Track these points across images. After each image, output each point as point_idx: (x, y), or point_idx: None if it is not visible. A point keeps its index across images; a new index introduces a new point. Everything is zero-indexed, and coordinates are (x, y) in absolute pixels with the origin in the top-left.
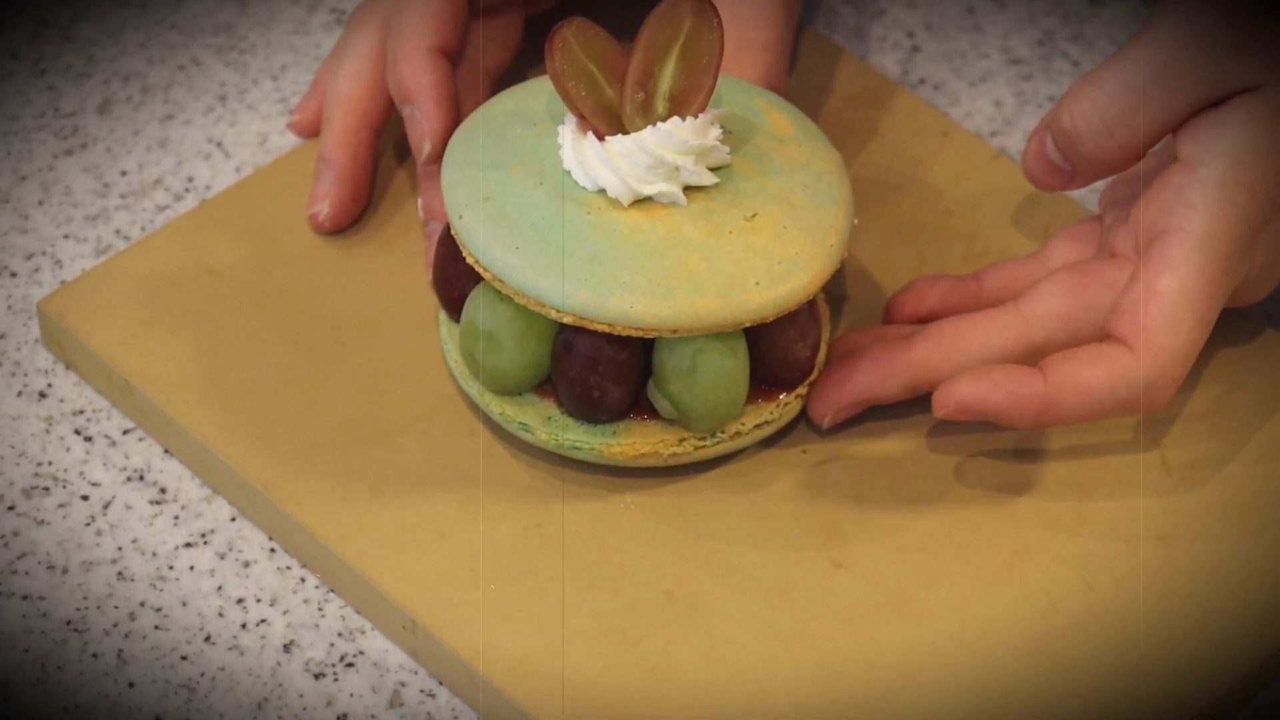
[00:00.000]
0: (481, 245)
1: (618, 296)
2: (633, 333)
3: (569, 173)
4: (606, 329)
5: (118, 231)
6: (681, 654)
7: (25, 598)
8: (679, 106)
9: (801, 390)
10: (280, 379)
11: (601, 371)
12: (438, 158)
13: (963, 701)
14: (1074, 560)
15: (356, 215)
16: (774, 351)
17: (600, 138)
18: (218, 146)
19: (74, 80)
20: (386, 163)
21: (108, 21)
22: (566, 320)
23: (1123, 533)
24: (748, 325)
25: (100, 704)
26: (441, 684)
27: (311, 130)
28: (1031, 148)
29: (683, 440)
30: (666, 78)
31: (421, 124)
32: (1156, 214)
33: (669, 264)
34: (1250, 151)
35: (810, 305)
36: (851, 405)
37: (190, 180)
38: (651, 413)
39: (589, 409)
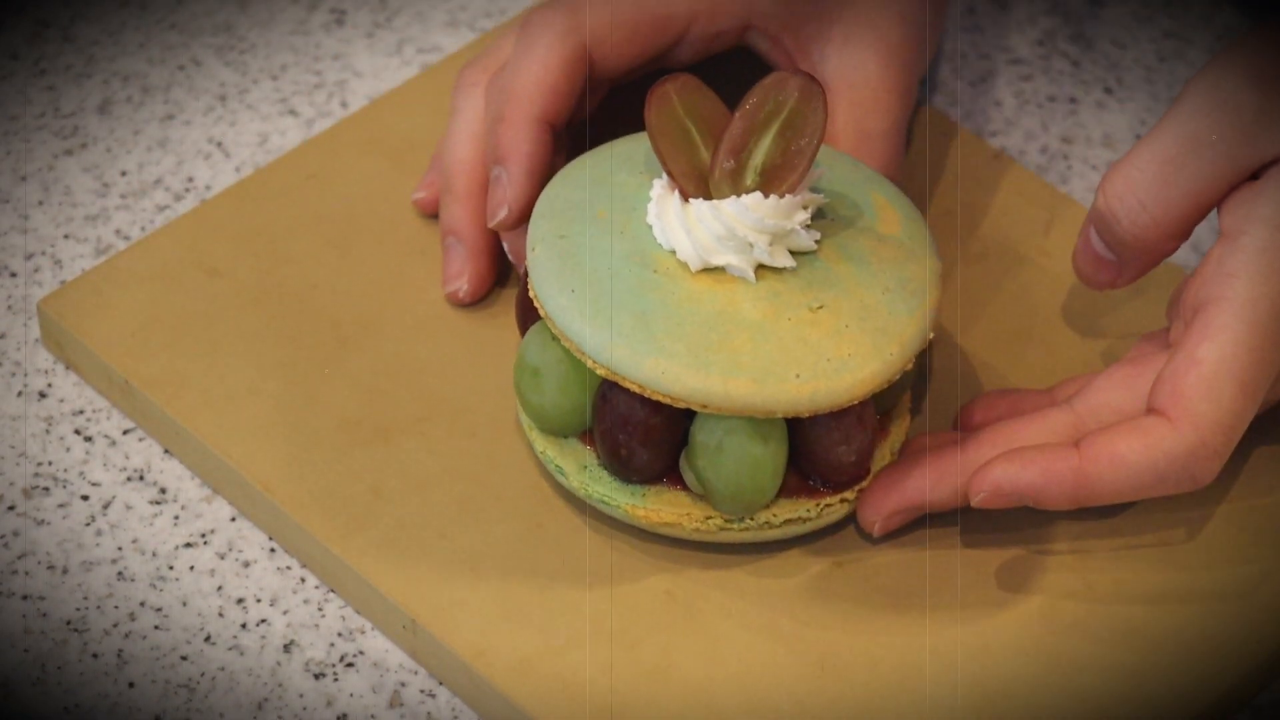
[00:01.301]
0: (542, 282)
1: (652, 359)
2: (661, 399)
3: (651, 227)
4: (638, 389)
5: (118, 231)
6: (681, 654)
7: (25, 598)
8: (768, 183)
9: (849, 495)
10: (280, 379)
11: (630, 431)
12: (512, 226)
13: (963, 701)
14: (1074, 560)
15: (493, 283)
16: (816, 450)
17: (685, 198)
18: (218, 146)
19: (74, 80)
20: (387, 165)
21: (107, 21)
22: (600, 373)
23: (1122, 533)
24: (780, 416)
25: (100, 704)
26: (441, 684)
27: (438, 208)
28: (1079, 243)
29: (709, 518)
30: (761, 151)
31: (506, 189)
32: (1199, 287)
33: (714, 338)
34: None
35: (860, 409)
36: (902, 511)
37: (190, 180)
38: (685, 483)
39: (618, 466)
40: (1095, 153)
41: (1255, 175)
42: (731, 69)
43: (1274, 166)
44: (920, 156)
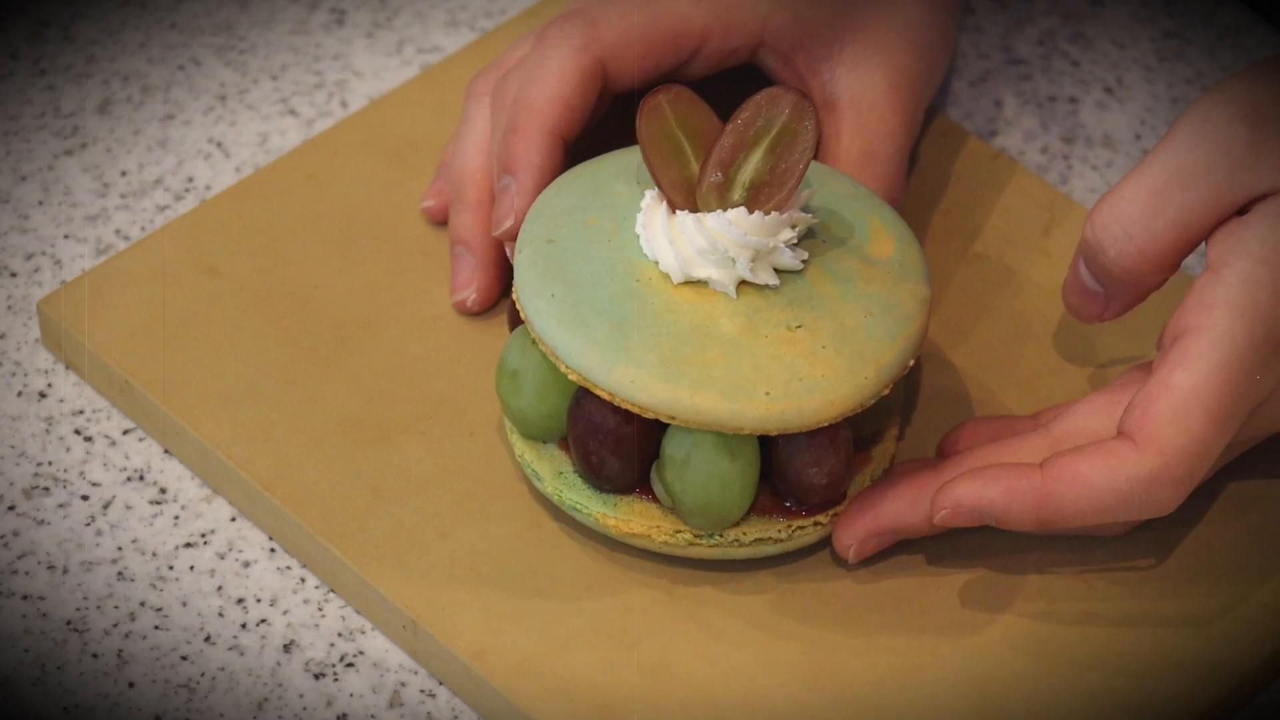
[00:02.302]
0: (524, 285)
1: (622, 367)
2: (630, 408)
3: (639, 236)
4: (608, 397)
5: (118, 231)
6: (681, 654)
7: (25, 598)
8: (755, 199)
9: (822, 518)
10: (280, 379)
11: (601, 440)
12: (516, 236)
13: (963, 701)
14: (1073, 560)
15: (500, 293)
16: (787, 470)
17: (672, 210)
18: (217, 146)
19: (74, 80)
20: (387, 165)
21: (107, 21)
22: (572, 378)
23: (1116, 550)
24: (747, 433)
25: (100, 704)
26: (441, 684)
27: (447, 216)
28: (1068, 275)
29: (679, 532)
30: (751, 166)
31: (514, 199)
32: (1180, 316)
33: (687, 350)
34: (1274, 251)
35: (834, 432)
36: (876, 534)
37: (190, 180)
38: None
39: (590, 474)
40: (1095, 153)
41: (1244, 210)
42: (728, 82)
43: (1262, 201)
44: (920, 156)
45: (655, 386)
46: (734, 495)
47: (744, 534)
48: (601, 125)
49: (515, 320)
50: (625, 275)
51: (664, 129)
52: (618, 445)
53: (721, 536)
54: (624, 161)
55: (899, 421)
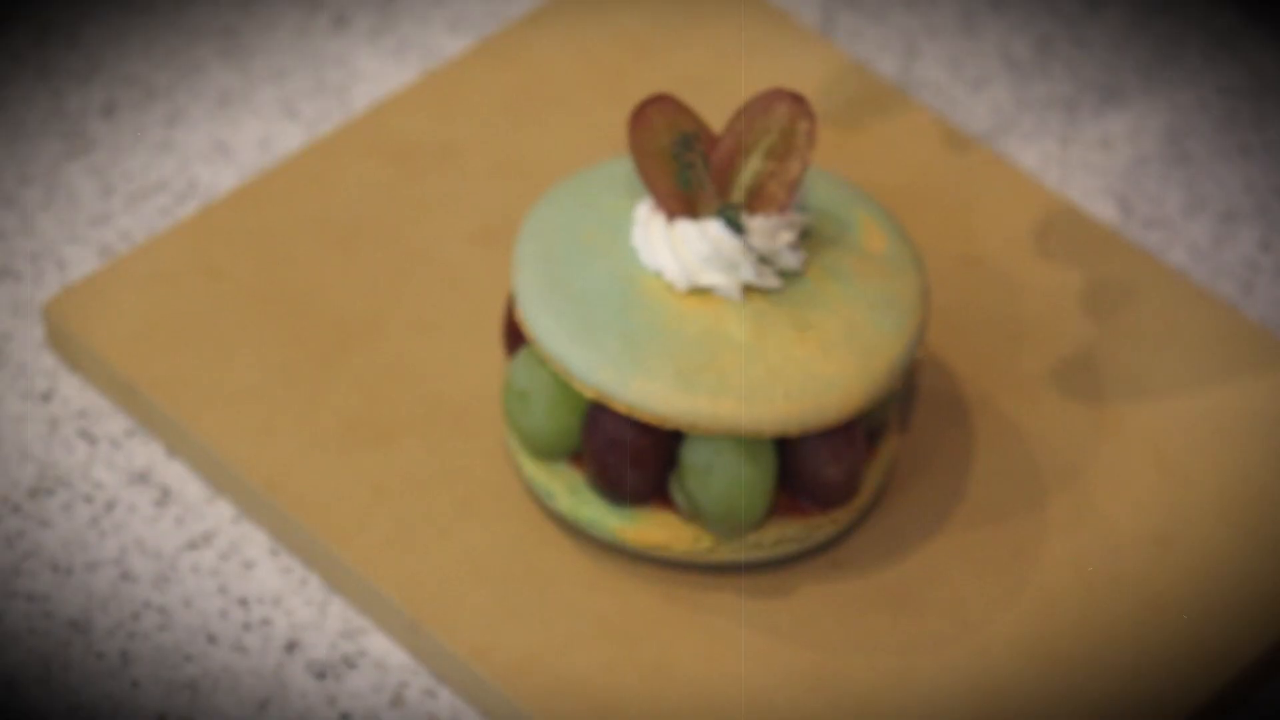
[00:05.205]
0: (528, 304)
1: (640, 381)
2: (650, 420)
3: (636, 249)
4: (626, 411)
5: (121, 234)
6: (681, 654)
7: (30, 598)
8: (756, 203)
9: (837, 515)
10: (282, 380)
11: (620, 454)
12: None
13: (962, 701)
14: (1072, 559)
15: None
16: (805, 469)
17: (671, 219)
18: (220, 149)
19: (77, 83)
20: (389, 168)
21: (111, 24)
22: (589, 395)
23: (1120, 532)
24: (769, 436)
25: (104, 704)
26: (443, 684)
27: None
28: None
29: (699, 540)
30: (749, 171)
31: None
32: None
33: (702, 359)
34: None
35: (849, 428)
36: None
37: (193, 183)
38: (675, 505)
39: (607, 489)
40: (1093, 155)
41: None
42: (715, 91)
43: None
44: (918, 160)
45: (675, 397)
46: (757, 499)
47: (764, 537)
48: (577, 137)
49: (513, 342)
50: (628, 288)
51: (654, 139)
52: (636, 457)
53: (743, 541)
54: (609, 173)
55: (900, 412)
